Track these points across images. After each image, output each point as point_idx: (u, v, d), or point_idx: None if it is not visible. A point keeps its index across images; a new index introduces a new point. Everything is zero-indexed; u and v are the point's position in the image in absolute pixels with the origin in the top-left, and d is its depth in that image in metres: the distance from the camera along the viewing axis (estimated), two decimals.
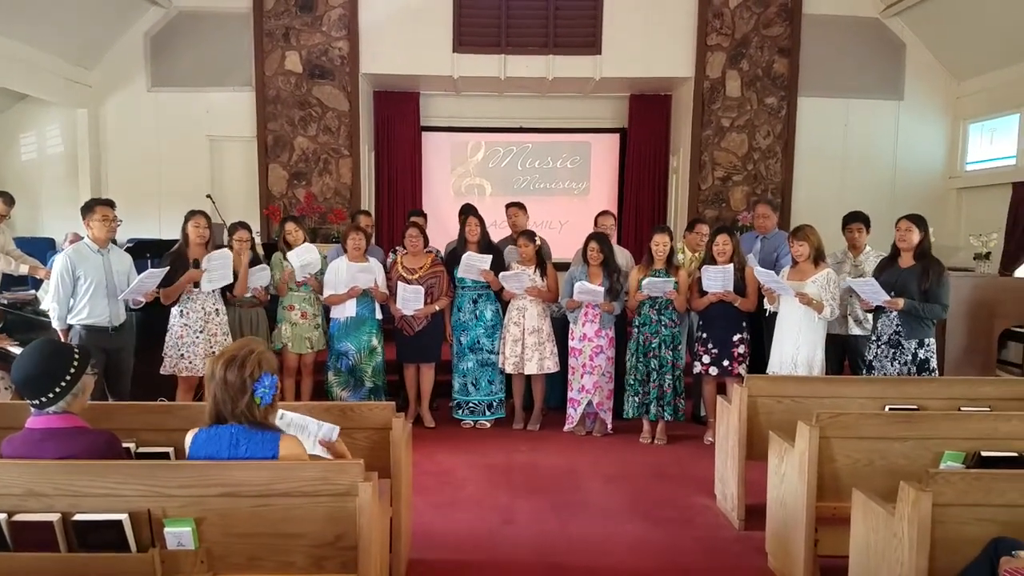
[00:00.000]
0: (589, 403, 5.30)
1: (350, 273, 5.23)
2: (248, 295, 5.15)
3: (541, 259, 5.46)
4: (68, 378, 2.24)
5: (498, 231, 6.43)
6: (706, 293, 5.01)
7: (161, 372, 4.85)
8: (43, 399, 2.21)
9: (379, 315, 5.39)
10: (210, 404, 2.23)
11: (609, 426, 5.35)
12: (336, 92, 8.32)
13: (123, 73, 8.45)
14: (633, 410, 5.22)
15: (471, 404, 5.48)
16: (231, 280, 4.93)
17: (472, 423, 5.51)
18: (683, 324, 5.34)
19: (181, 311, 4.84)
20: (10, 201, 5.54)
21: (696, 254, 5.61)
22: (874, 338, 4.61)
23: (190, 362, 4.81)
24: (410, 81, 8.61)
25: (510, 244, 5.83)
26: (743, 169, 8.51)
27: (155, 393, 4.88)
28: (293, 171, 8.43)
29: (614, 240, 5.66)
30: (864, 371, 4.69)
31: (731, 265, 4.91)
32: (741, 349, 5.01)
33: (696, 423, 5.57)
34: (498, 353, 5.42)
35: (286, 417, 2.53)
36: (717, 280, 4.93)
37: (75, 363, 2.27)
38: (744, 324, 5.05)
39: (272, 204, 8.35)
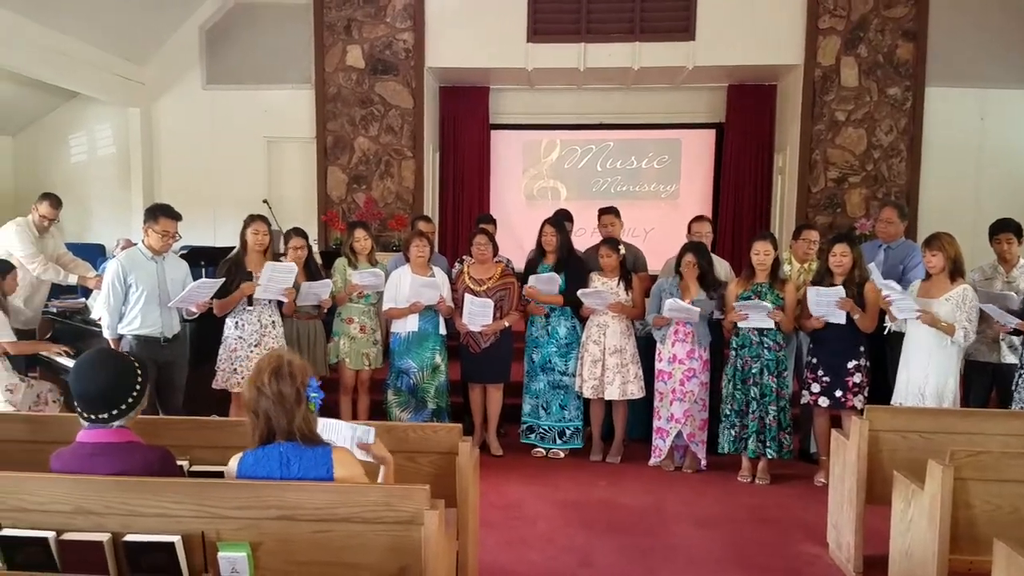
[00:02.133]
0: (679, 434, 5.21)
1: (413, 286, 5.31)
2: (308, 305, 5.30)
3: (626, 270, 5.43)
4: (135, 393, 2.35)
5: (577, 240, 6.41)
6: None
7: (213, 386, 5.03)
8: (107, 415, 2.31)
9: (443, 330, 5.46)
10: (258, 425, 2.29)
11: (702, 461, 5.25)
12: (400, 88, 8.51)
13: (177, 70, 8.87)
14: (730, 444, 5.09)
15: (542, 429, 5.48)
16: (288, 294, 5.06)
17: (544, 451, 5.51)
18: (790, 347, 5.20)
19: (236, 323, 5.01)
20: (57, 204, 5.85)
21: (805, 264, 5.47)
22: (1019, 365, 4.40)
23: (243, 378, 4.95)
24: (479, 75, 8.72)
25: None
26: (861, 169, 8.27)
27: (208, 408, 5.07)
28: (353, 174, 8.65)
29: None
30: (1012, 404, 4.48)
31: (841, 288, 4.76)
32: (857, 379, 4.84)
33: (805, 461, 5.40)
34: (573, 375, 5.40)
35: (326, 422, 2.59)
36: (825, 305, 4.79)
37: (139, 378, 2.38)
38: (861, 348, 4.87)
39: (331, 209, 8.58)
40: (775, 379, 4.98)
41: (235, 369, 4.98)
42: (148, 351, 4.56)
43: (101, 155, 9.38)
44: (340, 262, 5.61)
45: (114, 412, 2.32)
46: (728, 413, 5.08)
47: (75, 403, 2.34)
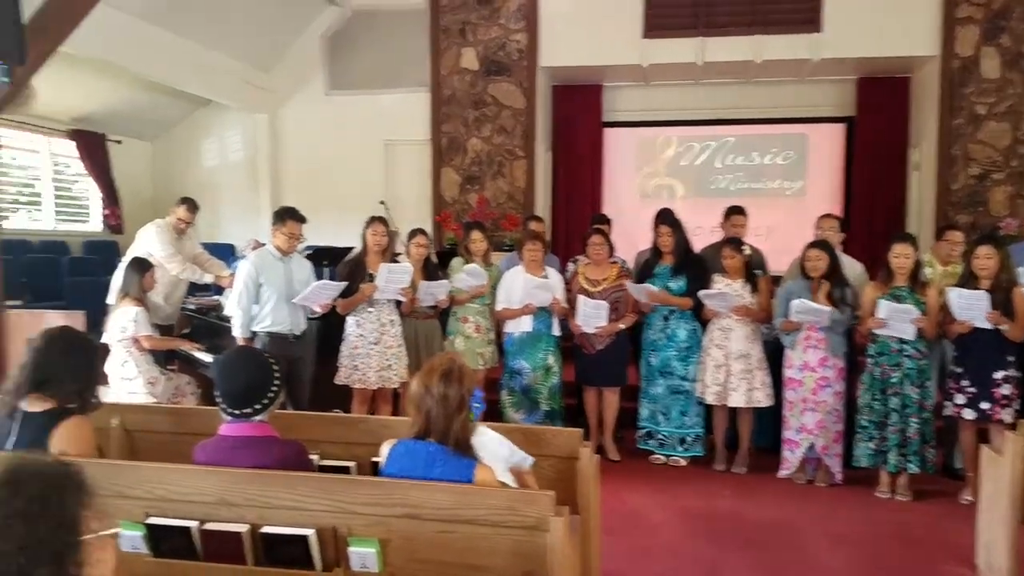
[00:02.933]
0: (811, 446, 4.98)
1: (527, 287, 5.31)
2: (425, 306, 5.38)
3: (750, 271, 5.25)
4: (273, 389, 2.47)
5: (701, 239, 6.25)
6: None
7: (335, 382, 5.18)
8: (250, 409, 2.43)
9: (557, 331, 5.44)
10: (419, 419, 2.36)
11: (836, 475, 4.99)
12: (512, 89, 8.57)
13: (301, 76, 9.24)
14: (867, 458, 4.82)
15: (661, 435, 5.37)
16: (406, 293, 5.16)
17: (664, 458, 5.39)
18: (933, 354, 4.88)
19: (357, 321, 5.14)
20: (194, 208, 6.15)
21: (948, 267, 5.13)
22: None
23: (363, 375, 5.09)
24: (593, 73, 8.67)
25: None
26: (1005, 165, 7.73)
27: (331, 402, 5.22)
28: (466, 175, 8.77)
29: (839, 250, 5.32)
30: None
31: (984, 293, 4.44)
32: (1006, 390, 4.49)
33: (949, 477, 5.06)
34: (693, 380, 5.27)
35: (487, 434, 2.58)
36: (971, 308, 4.47)
37: (277, 374, 2.50)
38: (1011, 358, 4.52)
39: (444, 210, 8.72)
40: (917, 389, 4.69)
41: (356, 366, 5.10)
42: (279, 347, 4.74)
43: (231, 159, 9.88)
44: (456, 263, 5.66)
45: (256, 407, 2.43)
46: (866, 424, 4.81)
47: (218, 398, 2.45)
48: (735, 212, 5.85)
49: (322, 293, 4.80)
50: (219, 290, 6.86)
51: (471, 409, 2.34)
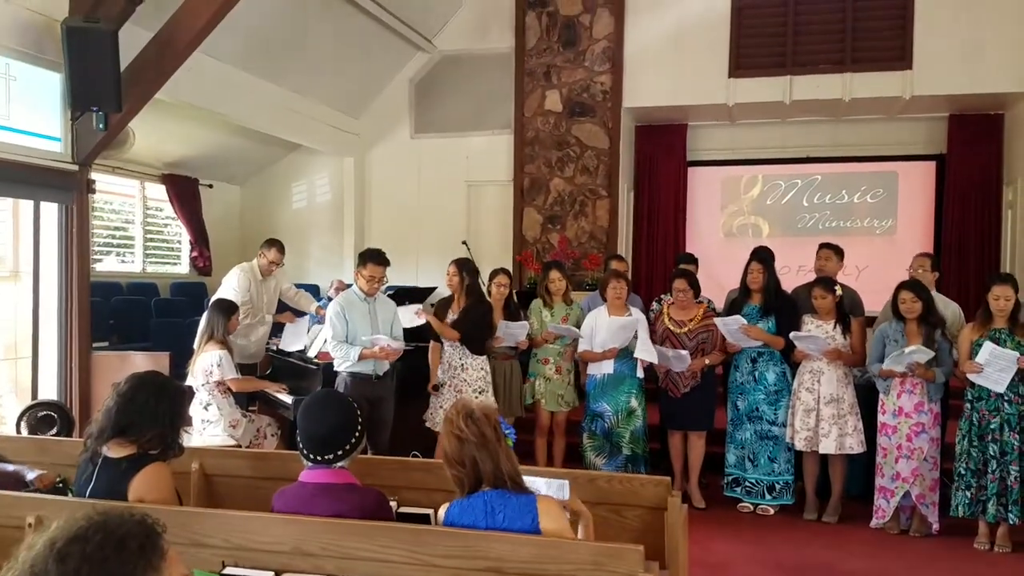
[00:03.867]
0: (906, 494, 4.74)
1: (610, 328, 5.21)
2: (506, 346, 5.36)
3: (843, 312, 5.03)
4: (356, 435, 2.42)
5: (787, 278, 6.05)
6: None
7: (428, 426, 5.25)
8: (331, 455, 2.38)
9: (640, 373, 5.31)
10: (465, 473, 2.28)
11: (933, 525, 4.74)
12: (596, 129, 8.56)
13: (388, 121, 9.44)
14: (965, 507, 4.57)
15: (749, 482, 5.16)
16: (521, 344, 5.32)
17: (751, 507, 5.18)
18: None
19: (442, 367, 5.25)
20: (282, 250, 6.24)
21: None
22: None
23: (437, 415, 5.13)
24: (677, 113, 8.63)
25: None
26: None
27: (411, 444, 5.20)
28: (548, 214, 8.77)
29: (932, 289, 5.08)
30: None
31: None
32: None
33: None
34: (783, 425, 5.07)
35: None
36: None
37: (360, 420, 2.46)
38: None
39: (526, 249, 8.74)
40: (1017, 435, 4.45)
41: (440, 406, 5.15)
42: (361, 388, 4.74)
43: (319, 202, 10.12)
44: (536, 304, 5.63)
45: (338, 453, 2.38)
46: (963, 472, 4.59)
47: (300, 443, 2.41)
48: (825, 248, 5.65)
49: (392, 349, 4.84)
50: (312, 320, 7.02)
51: (506, 435, 2.28)
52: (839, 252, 5.62)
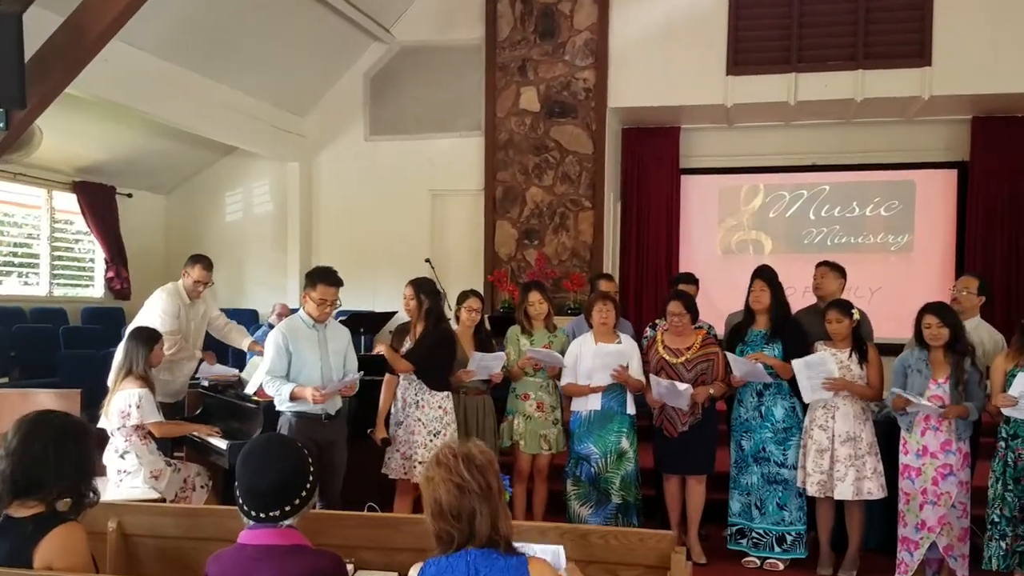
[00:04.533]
0: (932, 546, 4.80)
1: (598, 356, 5.25)
2: (478, 380, 5.36)
3: (859, 340, 5.13)
4: (308, 486, 2.38)
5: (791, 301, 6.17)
6: None
7: (387, 474, 5.17)
8: (278, 512, 2.32)
9: (632, 408, 5.35)
10: (456, 528, 2.18)
11: None
12: (578, 132, 8.68)
13: (339, 120, 9.50)
14: (999, 559, 4.61)
15: (755, 533, 5.21)
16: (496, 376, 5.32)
17: (758, 561, 5.22)
18: None
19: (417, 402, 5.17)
20: (209, 266, 6.11)
21: None
22: None
23: (391, 461, 5.12)
24: (669, 114, 8.77)
25: (817, 316, 5.56)
26: None
27: (366, 495, 5.18)
28: (524, 228, 8.85)
29: (975, 316, 5.19)
30: None
31: None
32: None
33: None
34: (793, 467, 5.14)
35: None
36: None
37: (312, 469, 2.41)
38: None
39: (498, 268, 8.79)
40: None
41: (399, 452, 5.13)
42: (308, 430, 4.65)
43: (257, 213, 10.13)
44: (513, 331, 5.63)
45: (286, 509, 2.32)
46: (997, 520, 4.62)
47: (238, 497, 2.36)
48: (822, 266, 5.79)
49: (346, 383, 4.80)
50: (239, 363, 6.90)
51: (505, 488, 2.25)
52: (838, 270, 5.75)
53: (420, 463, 5.00)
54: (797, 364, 4.99)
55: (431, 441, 5.07)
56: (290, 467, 2.37)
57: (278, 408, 4.79)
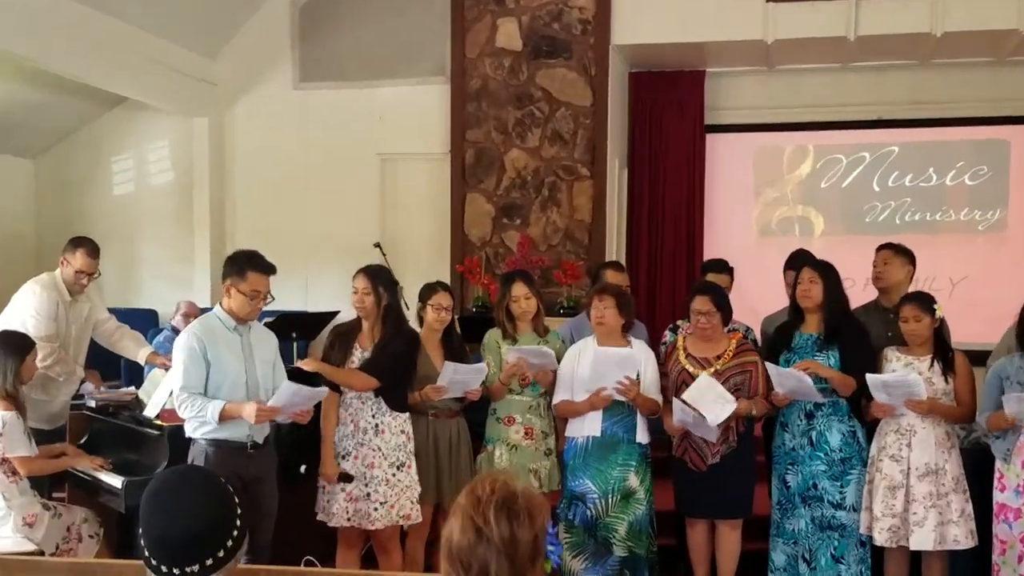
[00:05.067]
0: None
1: (600, 365, 5.24)
2: (450, 398, 5.36)
3: (942, 345, 5.18)
4: (236, 534, 2.37)
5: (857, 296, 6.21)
6: None
7: (317, 516, 5.14)
8: (199, 567, 2.30)
9: (644, 436, 5.37)
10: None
11: None
12: (572, 77, 8.69)
13: (260, 64, 9.51)
14: None
15: None
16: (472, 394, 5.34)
17: None
18: None
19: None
20: (94, 252, 6.06)
21: None
22: None
23: (330, 502, 5.10)
24: (691, 54, 8.80)
25: (878, 314, 5.63)
26: None
27: (300, 547, 5.14)
28: (502, 203, 8.85)
29: None
30: None
31: None
32: None
33: None
34: (853, 509, 5.19)
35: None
36: None
37: (239, 511, 2.40)
38: None
39: (469, 256, 8.76)
40: None
41: (322, 487, 5.14)
42: (230, 463, 4.63)
43: (155, 184, 10.10)
44: (492, 336, 5.65)
45: (207, 564, 2.30)
46: None
47: (144, 548, 2.33)
48: (885, 248, 5.89)
49: (300, 400, 4.74)
50: (132, 378, 6.84)
51: (549, 556, 2.21)
52: (906, 254, 5.83)
53: (382, 504, 5.04)
54: (873, 382, 4.98)
55: (394, 476, 5.08)
56: (214, 509, 2.35)
57: (190, 435, 4.78)
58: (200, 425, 4.71)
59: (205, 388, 4.69)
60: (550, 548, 2.24)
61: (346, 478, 5.10)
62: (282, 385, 4.69)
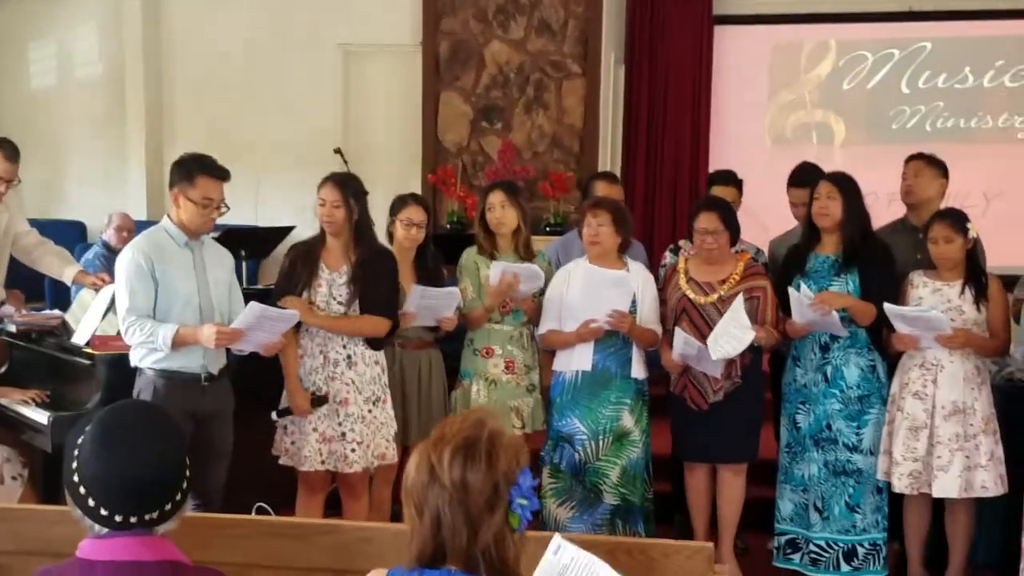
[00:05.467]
0: None
1: (591, 287, 5.28)
2: (421, 326, 5.41)
3: (975, 268, 5.20)
4: (186, 478, 2.41)
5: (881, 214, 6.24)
6: None
7: (275, 456, 5.18)
8: (156, 513, 2.34)
9: (640, 371, 5.41)
10: (423, 531, 2.20)
11: None
12: None
13: None
14: None
15: (814, 545, 5.33)
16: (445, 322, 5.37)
17: None
18: None
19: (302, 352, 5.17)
20: (13, 154, 6.00)
21: None
22: None
23: (295, 443, 5.11)
24: None
25: (906, 234, 5.67)
26: None
27: (254, 493, 5.22)
28: (481, 104, 8.87)
29: None
30: None
31: None
32: None
33: None
34: (870, 453, 5.25)
35: (562, 557, 2.43)
36: None
37: (187, 453, 2.44)
38: None
39: (443, 164, 8.80)
40: None
41: (284, 427, 5.15)
42: (180, 398, 4.67)
43: (80, 76, 10.01)
44: (469, 255, 5.66)
45: (166, 508, 2.35)
46: None
47: (89, 494, 2.33)
48: (916, 159, 5.87)
49: (271, 325, 4.73)
50: (58, 299, 6.87)
51: (514, 509, 2.19)
52: (938, 165, 5.81)
53: (359, 444, 5.05)
54: (892, 312, 5.01)
55: (369, 412, 5.11)
56: (174, 449, 2.39)
57: (136, 364, 4.80)
58: (148, 353, 4.73)
59: (153, 310, 4.70)
60: (522, 502, 2.19)
61: (319, 401, 5.05)
62: (249, 305, 4.67)
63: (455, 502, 2.14)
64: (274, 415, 5.14)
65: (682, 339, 5.15)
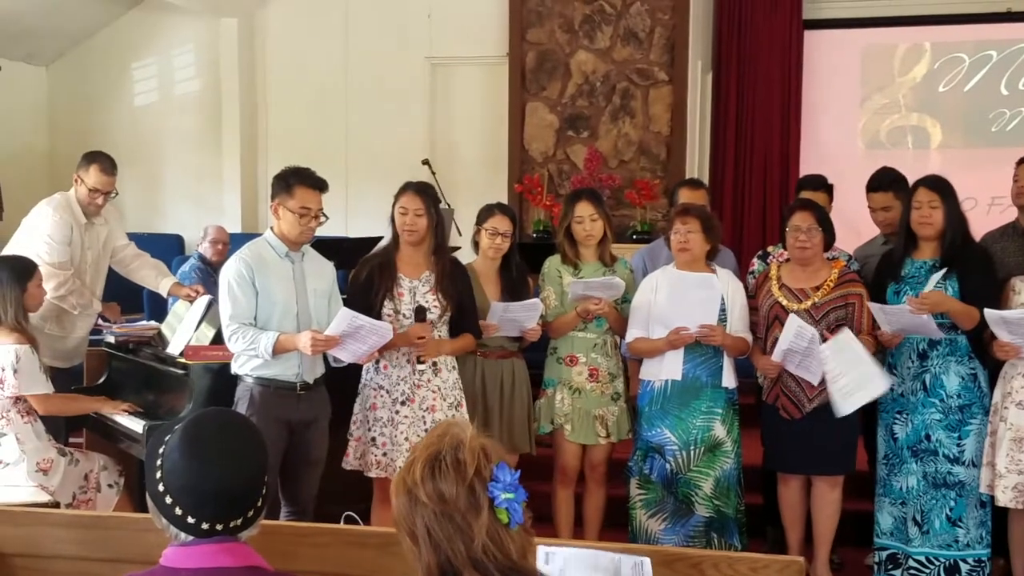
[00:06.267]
0: None
1: (678, 294, 5.20)
2: (505, 336, 5.36)
3: None
4: (266, 487, 2.40)
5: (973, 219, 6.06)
6: None
7: (344, 466, 5.15)
8: (240, 520, 2.34)
9: (731, 381, 5.32)
10: (424, 553, 2.18)
11: None
12: None
13: None
14: None
15: (914, 561, 5.18)
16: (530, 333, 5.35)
17: None
18: None
19: (376, 365, 5.13)
20: (111, 168, 6.05)
21: None
22: None
23: (387, 454, 5.06)
24: None
25: (1017, 238, 5.47)
26: None
27: (347, 497, 5.15)
28: (567, 113, 8.84)
29: None
30: None
31: None
32: None
33: None
34: (974, 465, 5.08)
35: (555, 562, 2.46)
36: None
37: (272, 459, 2.47)
38: None
39: (529, 174, 8.76)
40: None
41: (373, 439, 5.10)
42: (278, 407, 4.76)
43: (179, 93, 10.15)
44: (552, 264, 5.60)
45: (249, 516, 2.37)
46: None
47: (175, 503, 2.33)
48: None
49: (366, 335, 4.73)
50: (155, 311, 6.87)
51: (500, 505, 2.14)
52: None
53: (388, 449, 5.06)
54: (993, 317, 4.81)
55: (452, 417, 5.05)
56: (259, 459, 2.42)
57: (236, 371, 4.89)
58: (248, 360, 4.83)
59: (255, 319, 4.82)
60: (507, 496, 2.15)
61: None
62: (340, 311, 4.73)
63: (439, 515, 2.16)
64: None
65: (795, 325, 5.01)
